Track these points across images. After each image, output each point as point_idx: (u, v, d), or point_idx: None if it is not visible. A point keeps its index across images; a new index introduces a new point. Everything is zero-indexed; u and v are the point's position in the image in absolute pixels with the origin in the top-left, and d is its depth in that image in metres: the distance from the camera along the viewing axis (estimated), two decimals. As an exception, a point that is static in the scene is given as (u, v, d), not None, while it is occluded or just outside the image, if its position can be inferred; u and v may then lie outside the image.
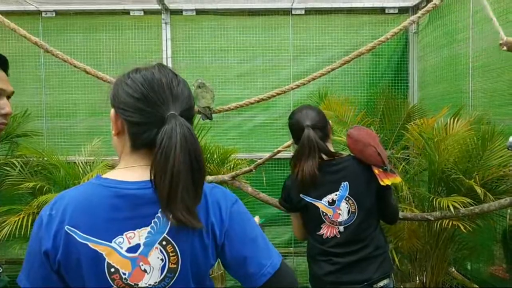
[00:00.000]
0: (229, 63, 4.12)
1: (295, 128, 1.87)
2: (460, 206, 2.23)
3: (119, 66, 4.01)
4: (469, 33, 3.29)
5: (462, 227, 2.31)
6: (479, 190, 2.22)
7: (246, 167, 3.14)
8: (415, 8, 4.20)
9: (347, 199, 1.78)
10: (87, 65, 2.39)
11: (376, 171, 1.79)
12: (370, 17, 4.18)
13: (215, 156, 3.47)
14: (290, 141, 2.31)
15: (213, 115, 2.59)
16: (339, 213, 1.80)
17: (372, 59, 4.27)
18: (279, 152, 2.69)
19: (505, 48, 1.48)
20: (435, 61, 3.88)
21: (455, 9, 3.50)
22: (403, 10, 4.18)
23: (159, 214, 0.95)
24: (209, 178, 3.21)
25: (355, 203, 1.79)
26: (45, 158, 3.40)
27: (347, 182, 1.80)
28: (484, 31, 3.05)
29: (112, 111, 1.02)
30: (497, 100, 2.95)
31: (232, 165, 3.55)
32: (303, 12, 4.13)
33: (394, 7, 4.15)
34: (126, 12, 4.00)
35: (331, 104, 3.68)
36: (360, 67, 4.25)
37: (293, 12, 4.12)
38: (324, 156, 1.84)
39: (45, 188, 3.17)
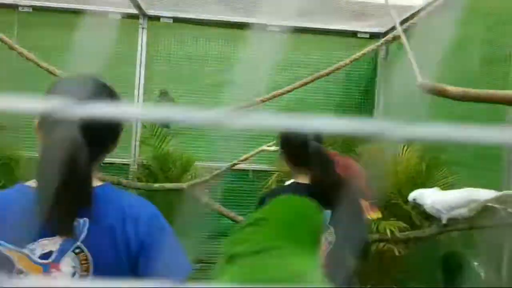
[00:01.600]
0: (204, 72, 4.20)
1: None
2: (395, 230, 2.35)
3: (91, 68, 4.04)
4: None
5: (396, 251, 2.42)
6: (413, 215, 2.35)
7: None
8: (385, 34, 4.37)
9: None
10: (58, 64, 2.41)
11: (364, 203, 1.76)
12: (342, 40, 4.33)
13: (177, 164, 3.52)
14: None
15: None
16: None
17: (343, 82, 4.41)
18: (235, 164, 2.77)
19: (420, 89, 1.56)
20: (399, 87, 4.03)
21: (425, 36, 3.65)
22: (374, 36, 4.35)
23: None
24: (167, 185, 3.28)
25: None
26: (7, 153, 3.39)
27: (330, 211, 1.69)
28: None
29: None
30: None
31: (194, 174, 3.61)
32: (278, 29, 4.24)
33: (365, 32, 4.31)
34: (104, 14, 4.04)
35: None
36: (331, 88, 4.38)
37: (269, 29, 4.23)
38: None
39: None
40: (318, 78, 3.41)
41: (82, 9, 3.99)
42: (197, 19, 4.08)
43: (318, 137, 1.75)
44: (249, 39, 4.26)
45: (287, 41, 4.31)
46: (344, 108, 4.35)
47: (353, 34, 4.31)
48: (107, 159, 3.82)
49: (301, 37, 4.32)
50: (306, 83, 3.20)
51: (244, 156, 2.70)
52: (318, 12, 4.19)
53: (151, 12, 4.03)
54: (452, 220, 2.31)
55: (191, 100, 4.10)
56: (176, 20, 4.09)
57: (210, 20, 4.12)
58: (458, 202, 2.23)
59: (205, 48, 4.17)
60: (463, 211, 2.26)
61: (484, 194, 2.23)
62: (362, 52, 3.26)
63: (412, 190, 2.74)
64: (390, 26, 4.20)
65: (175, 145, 3.75)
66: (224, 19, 4.14)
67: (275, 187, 1.89)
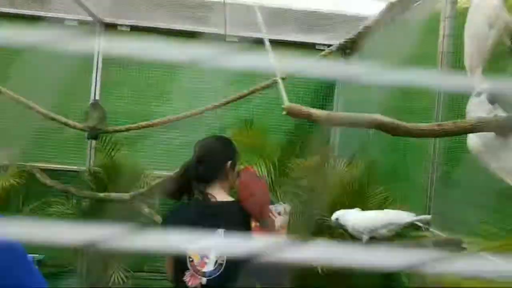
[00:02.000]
0: (160, 80, 4.21)
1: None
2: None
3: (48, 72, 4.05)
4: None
5: (319, 270, 2.44)
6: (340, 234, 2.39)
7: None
8: (344, 49, 4.41)
9: None
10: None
11: (253, 224, 1.67)
12: (300, 51, 4.36)
13: (126, 173, 3.53)
14: None
15: (139, 131, 2.62)
16: (206, 262, 1.61)
17: (304, 89, 4.45)
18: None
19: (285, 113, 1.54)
20: (354, 98, 4.07)
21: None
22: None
23: None
24: (112, 195, 3.29)
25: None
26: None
27: (222, 230, 1.62)
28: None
29: None
30: (389, 147, 3.15)
31: (145, 183, 3.62)
32: (236, 39, 4.27)
33: (324, 44, 4.35)
34: (60, 21, 4.04)
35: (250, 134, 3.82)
36: (292, 95, 4.40)
37: (227, 39, 4.25)
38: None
39: None
40: (265, 87, 3.47)
41: (38, 15, 4.00)
42: (153, 27, 4.10)
43: (226, 156, 1.71)
44: (206, 48, 4.28)
45: (245, 51, 4.33)
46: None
47: (312, 45, 4.35)
48: (62, 167, 3.80)
49: (260, 48, 4.34)
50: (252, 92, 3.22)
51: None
52: (276, 24, 4.22)
53: (107, 19, 4.04)
54: (373, 240, 2.35)
55: (146, 107, 4.11)
56: (134, 28, 4.10)
57: (167, 28, 4.13)
58: (377, 224, 2.29)
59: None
60: (382, 232, 2.31)
61: (403, 217, 2.29)
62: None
63: (343, 207, 2.79)
64: (347, 37, 4.25)
65: (127, 154, 3.77)
66: (181, 28, 4.15)
67: (177, 205, 1.84)
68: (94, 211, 3.53)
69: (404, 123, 1.44)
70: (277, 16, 4.12)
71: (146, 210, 3.06)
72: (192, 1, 3.64)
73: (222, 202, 1.68)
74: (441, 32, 2.34)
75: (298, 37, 4.30)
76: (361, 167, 3.17)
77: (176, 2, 3.62)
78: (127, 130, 2.87)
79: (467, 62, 1.90)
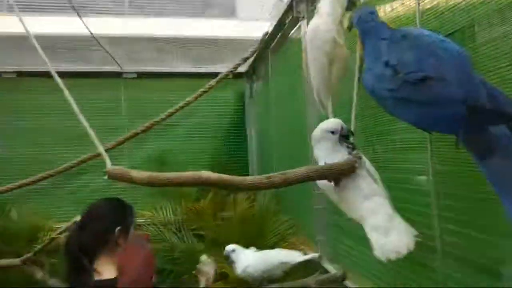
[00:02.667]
0: (58, 126, 3.95)
1: None
2: None
3: None
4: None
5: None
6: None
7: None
8: (248, 74, 4.42)
9: None
10: None
11: None
12: (207, 82, 4.28)
13: (22, 234, 3.23)
14: None
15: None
16: None
17: (216, 121, 4.37)
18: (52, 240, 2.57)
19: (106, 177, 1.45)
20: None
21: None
22: (238, 76, 4.36)
23: None
24: (1, 262, 2.99)
25: None
26: None
27: None
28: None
29: None
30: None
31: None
32: (135, 75, 4.14)
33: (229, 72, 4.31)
34: None
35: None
36: (204, 128, 4.32)
37: (124, 76, 4.11)
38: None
39: None
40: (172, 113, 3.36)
41: None
42: (44, 71, 3.84)
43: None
44: (103, 85, 4.11)
45: (148, 86, 4.21)
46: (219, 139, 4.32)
47: (216, 75, 4.29)
48: None
49: (167, 81, 4.24)
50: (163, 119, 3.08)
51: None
52: (178, 58, 4.14)
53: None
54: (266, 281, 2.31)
55: (46, 155, 3.82)
56: (21, 74, 3.83)
57: (62, 71, 3.89)
58: (269, 266, 2.27)
59: (53, 99, 3.92)
60: (275, 272, 2.28)
61: (294, 257, 2.28)
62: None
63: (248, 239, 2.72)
64: (248, 66, 4.26)
65: (25, 210, 3.46)
66: (75, 70, 3.94)
67: None
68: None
69: (232, 178, 1.37)
70: (180, 49, 4.05)
71: (39, 275, 2.79)
72: (72, 44, 3.45)
73: (102, 282, 1.39)
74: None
75: (203, 69, 4.24)
76: (268, 196, 3.13)
77: (57, 44, 3.41)
78: (11, 190, 2.61)
79: (316, 96, 1.89)
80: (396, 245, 1.29)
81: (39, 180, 2.85)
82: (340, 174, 1.37)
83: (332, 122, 1.54)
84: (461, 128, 0.97)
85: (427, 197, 1.54)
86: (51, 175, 2.80)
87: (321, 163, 1.41)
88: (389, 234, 1.32)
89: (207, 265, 1.87)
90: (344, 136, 1.49)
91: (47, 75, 3.76)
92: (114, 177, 1.30)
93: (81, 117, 1.65)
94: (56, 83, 1.67)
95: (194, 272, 1.82)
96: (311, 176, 1.32)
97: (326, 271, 2.23)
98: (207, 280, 1.81)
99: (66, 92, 1.64)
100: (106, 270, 1.40)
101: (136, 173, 1.31)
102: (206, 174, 1.33)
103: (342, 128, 1.49)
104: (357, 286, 1.99)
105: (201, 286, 1.79)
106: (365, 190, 1.40)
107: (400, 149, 1.77)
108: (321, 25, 1.71)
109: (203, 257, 1.92)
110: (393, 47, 1.10)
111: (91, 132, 1.58)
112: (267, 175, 1.35)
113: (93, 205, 1.49)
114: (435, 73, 0.98)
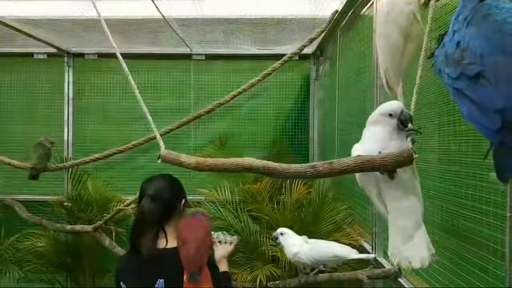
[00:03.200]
0: (133, 104, 4.20)
1: (139, 196, 1.61)
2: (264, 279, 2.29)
3: (22, 108, 4.15)
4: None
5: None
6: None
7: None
8: (314, 55, 4.26)
9: None
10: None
11: (185, 276, 1.49)
12: (273, 63, 4.22)
13: (95, 204, 3.52)
14: None
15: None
16: None
17: (279, 104, 4.32)
18: (120, 210, 2.76)
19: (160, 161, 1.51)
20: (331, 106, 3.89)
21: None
22: (304, 57, 4.24)
23: None
24: (76, 227, 3.29)
25: None
26: None
27: (163, 280, 1.51)
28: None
29: None
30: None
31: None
32: (203, 57, 4.22)
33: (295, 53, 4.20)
34: (29, 55, 4.11)
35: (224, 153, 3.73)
36: (266, 111, 4.31)
37: (193, 57, 4.21)
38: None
39: None
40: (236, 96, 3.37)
41: (6, 52, 4.08)
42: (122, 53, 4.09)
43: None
44: (174, 67, 4.27)
45: (215, 68, 4.28)
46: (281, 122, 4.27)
47: (282, 56, 4.20)
48: (43, 198, 3.80)
49: (233, 63, 4.28)
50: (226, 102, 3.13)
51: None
52: (245, 39, 4.13)
53: (74, 49, 4.07)
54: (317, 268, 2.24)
55: (123, 131, 4.10)
56: (101, 55, 4.12)
57: (133, 53, 4.13)
58: (322, 258, 2.20)
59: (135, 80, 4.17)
60: (328, 264, 2.22)
61: (348, 253, 2.23)
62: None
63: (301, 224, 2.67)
64: (315, 47, 4.11)
65: (100, 182, 3.77)
66: (147, 51, 4.14)
67: (126, 253, 1.67)
68: (66, 244, 3.56)
69: (276, 165, 1.32)
70: (246, 31, 4.03)
71: (107, 242, 3.03)
72: (147, 25, 3.60)
73: (165, 250, 1.55)
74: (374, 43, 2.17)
75: (270, 50, 4.18)
76: (327, 181, 3.03)
77: (131, 28, 3.59)
78: (77, 164, 2.87)
79: (383, 78, 1.73)
80: (411, 256, 1.24)
81: (111, 155, 3.04)
82: (396, 167, 1.22)
83: (391, 104, 1.35)
84: (494, 140, 0.85)
85: (501, 197, 1.35)
86: (121, 151, 2.98)
87: (371, 149, 1.28)
88: (409, 242, 1.25)
89: (227, 237, 1.79)
90: (403, 122, 1.33)
91: (123, 56, 4.07)
92: (166, 160, 1.38)
93: (140, 99, 1.71)
94: (121, 64, 1.74)
95: (213, 239, 1.75)
96: (361, 167, 1.21)
97: (380, 265, 2.09)
98: (223, 252, 1.74)
99: (127, 73, 1.71)
100: (171, 239, 1.55)
101: (185, 158, 1.37)
102: (249, 160, 1.30)
103: (402, 112, 1.31)
104: (411, 286, 1.84)
105: (219, 253, 1.74)
106: (408, 184, 1.26)
107: (475, 141, 1.56)
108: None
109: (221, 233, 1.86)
110: (471, 26, 0.94)
111: (148, 116, 1.66)
112: (312, 163, 1.28)
113: (154, 180, 1.63)
114: (491, 71, 0.84)
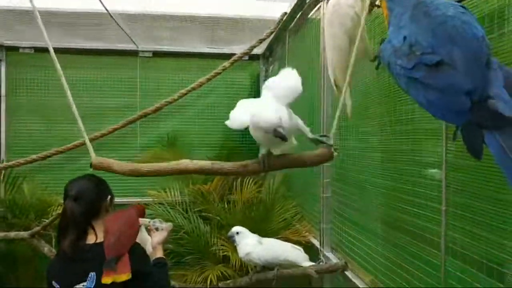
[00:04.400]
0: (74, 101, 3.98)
1: (63, 197, 1.67)
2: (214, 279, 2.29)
3: None
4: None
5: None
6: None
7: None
8: (264, 55, 4.32)
9: None
10: None
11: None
12: (223, 62, 4.21)
13: (31, 209, 3.29)
14: None
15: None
16: None
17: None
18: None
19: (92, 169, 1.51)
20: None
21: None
22: (254, 57, 4.28)
23: None
24: (10, 234, 3.05)
25: None
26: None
27: (94, 273, 1.55)
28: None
29: None
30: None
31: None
32: (151, 54, 4.10)
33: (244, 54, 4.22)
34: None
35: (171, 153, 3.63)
36: (216, 110, 4.28)
37: (140, 54, 4.08)
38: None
39: None
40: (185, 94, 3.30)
41: None
42: (61, 48, 3.86)
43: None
44: (120, 64, 4.11)
45: (163, 65, 4.18)
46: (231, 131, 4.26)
47: (232, 56, 4.21)
48: None
49: (182, 61, 4.20)
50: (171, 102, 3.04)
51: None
52: (194, 38, 4.07)
53: (8, 42, 3.78)
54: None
55: (62, 131, 3.87)
56: (38, 49, 3.86)
57: (77, 48, 3.92)
58: (274, 259, 2.24)
59: (70, 76, 3.95)
60: (279, 264, 2.24)
61: (300, 258, 2.29)
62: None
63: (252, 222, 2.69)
64: (265, 47, 4.16)
65: (36, 186, 3.53)
66: (93, 47, 3.95)
67: (58, 250, 1.72)
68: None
69: (211, 165, 1.33)
70: (195, 30, 3.98)
71: (45, 249, 2.83)
72: (89, 20, 3.42)
73: (95, 245, 1.61)
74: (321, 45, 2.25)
75: (218, 49, 4.16)
76: (277, 180, 3.07)
77: (73, 21, 3.39)
78: (11, 166, 2.66)
79: (331, 78, 1.80)
80: None
81: (49, 156, 2.84)
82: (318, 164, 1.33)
83: (266, 122, 1.21)
84: (464, 122, 0.91)
85: (438, 192, 1.45)
86: (61, 152, 2.80)
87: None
88: None
89: (162, 224, 1.82)
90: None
91: (62, 51, 3.83)
92: (98, 169, 1.33)
93: (70, 98, 1.60)
94: (52, 59, 1.61)
95: (147, 226, 1.80)
96: (291, 164, 1.33)
97: (328, 260, 2.16)
98: (158, 239, 1.79)
99: (59, 69, 1.58)
100: (101, 234, 1.61)
101: (117, 166, 1.33)
102: (184, 163, 1.31)
103: (275, 130, 1.19)
104: (358, 279, 1.93)
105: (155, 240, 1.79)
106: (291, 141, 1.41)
107: (414, 140, 1.67)
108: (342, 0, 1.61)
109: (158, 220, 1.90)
110: (414, 22, 1.03)
111: (78, 119, 1.55)
112: (244, 162, 1.34)
113: (77, 181, 1.70)
114: (449, 60, 0.92)
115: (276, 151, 1.39)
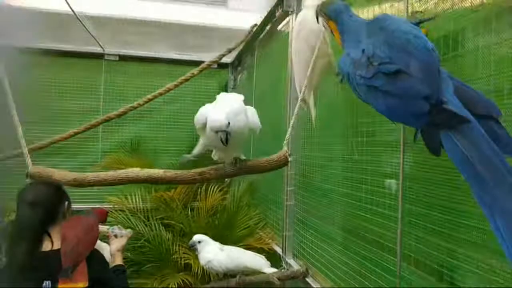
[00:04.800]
0: (37, 104, 3.83)
1: (17, 204, 1.59)
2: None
3: None
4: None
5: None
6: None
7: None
8: (233, 64, 4.36)
9: None
10: None
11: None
12: (190, 69, 4.21)
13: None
14: None
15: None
16: None
17: (195, 111, 4.29)
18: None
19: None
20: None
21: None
22: (222, 66, 4.31)
23: None
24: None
25: None
26: None
27: (49, 281, 1.51)
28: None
29: None
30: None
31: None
32: (117, 58, 4.03)
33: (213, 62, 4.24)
34: None
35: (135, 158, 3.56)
36: (183, 117, 4.24)
37: (106, 57, 4.00)
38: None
39: None
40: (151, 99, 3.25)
41: None
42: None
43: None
44: (84, 66, 4.01)
45: (129, 69, 4.12)
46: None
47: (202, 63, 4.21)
48: None
49: (149, 66, 4.15)
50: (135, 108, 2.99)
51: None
52: (162, 43, 4.05)
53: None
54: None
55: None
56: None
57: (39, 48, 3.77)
58: (235, 266, 2.25)
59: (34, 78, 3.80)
60: (239, 272, 2.25)
61: (260, 265, 2.29)
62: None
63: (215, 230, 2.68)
64: (234, 56, 4.20)
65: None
66: (57, 48, 3.83)
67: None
68: None
69: (162, 173, 1.33)
70: (167, 37, 3.95)
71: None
72: (54, 21, 3.33)
73: (50, 252, 1.56)
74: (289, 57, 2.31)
75: (188, 56, 4.16)
76: (242, 187, 3.08)
77: (37, 21, 3.28)
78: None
79: (298, 91, 1.85)
80: None
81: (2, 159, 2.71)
82: (274, 169, 1.39)
83: (215, 121, 1.30)
84: (423, 124, 0.99)
85: (394, 201, 1.52)
86: (8, 157, 2.67)
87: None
88: None
89: (122, 230, 1.84)
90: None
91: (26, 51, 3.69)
92: (36, 178, 1.28)
93: (10, 101, 1.53)
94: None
95: (107, 232, 1.80)
96: (245, 171, 1.39)
97: (290, 267, 2.19)
98: (117, 245, 1.80)
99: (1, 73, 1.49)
100: (57, 241, 1.57)
101: (58, 175, 1.28)
102: (134, 172, 1.30)
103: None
104: (318, 285, 1.97)
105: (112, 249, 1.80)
106: None
107: (373, 151, 1.74)
108: (308, 16, 1.67)
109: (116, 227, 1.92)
110: (370, 37, 1.12)
111: (17, 123, 1.48)
112: (200, 170, 1.36)
113: (35, 186, 1.63)
114: (406, 68, 1.01)
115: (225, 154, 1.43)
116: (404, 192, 1.46)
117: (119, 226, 1.88)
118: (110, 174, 1.30)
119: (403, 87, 0.99)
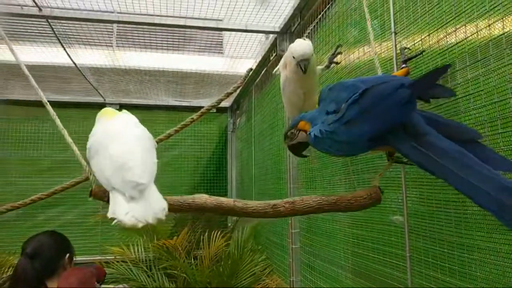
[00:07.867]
0: (36, 156, 3.86)
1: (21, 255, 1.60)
2: None
3: None
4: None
5: None
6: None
7: None
8: (232, 108, 4.42)
9: None
10: None
11: None
12: (190, 115, 4.27)
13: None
14: None
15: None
16: None
17: (197, 154, 4.31)
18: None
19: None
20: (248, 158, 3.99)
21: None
22: (221, 110, 4.37)
23: None
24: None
25: None
26: None
27: None
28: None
29: None
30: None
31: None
32: (117, 107, 4.10)
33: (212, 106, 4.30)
34: None
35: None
36: (185, 161, 4.25)
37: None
38: None
39: None
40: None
41: None
42: (25, 100, 3.80)
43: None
44: (86, 116, 4.08)
45: (136, 117, 4.16)
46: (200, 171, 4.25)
47: (200, 109, 4.28)
48: None
49: (149, 113, 4.22)
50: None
51: None
52: (161, 91, 4.13)
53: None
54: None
55: (19, 185, 3.69)
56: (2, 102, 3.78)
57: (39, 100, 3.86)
58: None
59: (37, 129, 3.87)
60: None
61: None
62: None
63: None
64: (232, 101, 4.27)
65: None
66: (59, 99, 3.91)
67: None
68: None
69: (233, 204, 1.22)
70: (148, 79, 4.05)
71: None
72: (56, 73, 3.42)
73: None
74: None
75: (188, 102, 4.23)
76: (246, 233, 3.01)
77: (39, 74, 3.38)
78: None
79: (288, 114, 1.89)
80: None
81: (3, 212, 2.68)
82: (360, 209, 1.18)
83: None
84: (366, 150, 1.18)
85: (401, 238, 1.47)
86: (17, 207, 2.65)
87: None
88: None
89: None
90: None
91: (31, 104, 3.76)
92: (97, 196, 1.11)
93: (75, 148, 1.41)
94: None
95: None
96: (325, 208, 1.17)
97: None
98: None
99: (58, 122, 1.40)
100: None
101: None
102: (203, 198, 1.15)
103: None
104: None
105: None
106: None
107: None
108: (287, 81, 1.72)
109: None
110: (326, 101, 1.26)
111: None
112: (273, 202, 1.17)
113: (38, 237, 1.64)
114: (354, 118, 1.11)
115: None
116: (409, 229, 1.41)
117: (124, 284, 1.85)
118: (175, 199, 1.13)
119: (352, 133, 1.11)
